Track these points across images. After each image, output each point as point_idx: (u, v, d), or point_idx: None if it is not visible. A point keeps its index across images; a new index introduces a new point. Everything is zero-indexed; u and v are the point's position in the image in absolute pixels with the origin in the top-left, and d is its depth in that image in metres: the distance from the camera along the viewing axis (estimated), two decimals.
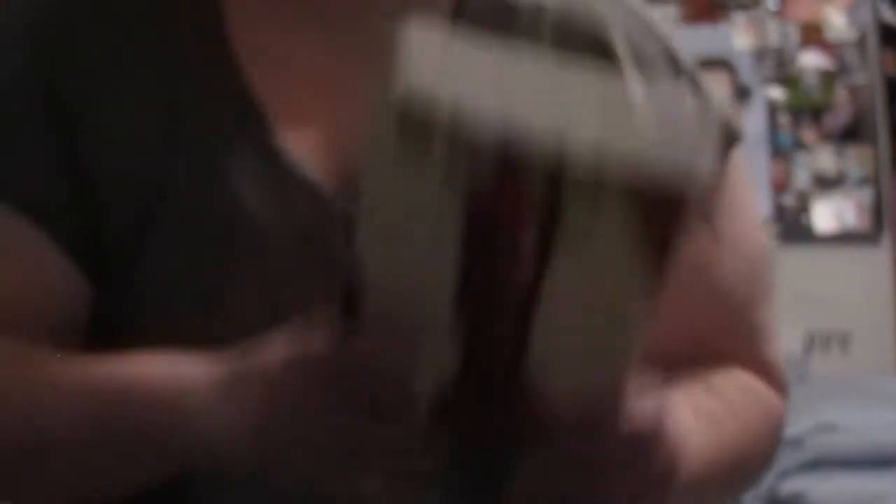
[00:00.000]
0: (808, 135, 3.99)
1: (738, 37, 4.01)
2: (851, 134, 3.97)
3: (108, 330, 0.89)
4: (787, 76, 3.99)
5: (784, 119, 4.00)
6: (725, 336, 1.02)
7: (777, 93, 4.00)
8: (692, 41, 4.04)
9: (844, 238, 3.95)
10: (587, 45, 0.95)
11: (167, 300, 0.88)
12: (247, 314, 0.86)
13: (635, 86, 0.76)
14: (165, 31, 0.90)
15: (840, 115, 3.98)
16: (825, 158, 3.97)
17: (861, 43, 3.97)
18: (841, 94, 3.97)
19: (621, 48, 0.97)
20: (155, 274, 0.88)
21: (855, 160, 3.96)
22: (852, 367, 3.89)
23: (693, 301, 0.97)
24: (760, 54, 3.99)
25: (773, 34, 3.99)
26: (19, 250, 0.88)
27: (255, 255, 0.88)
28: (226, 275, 0.88)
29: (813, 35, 3.98)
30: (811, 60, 3.98)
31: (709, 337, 1.00)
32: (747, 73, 4.00)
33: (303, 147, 0.89)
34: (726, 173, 0.99)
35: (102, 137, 0.88)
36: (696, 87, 1.00)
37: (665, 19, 4.00)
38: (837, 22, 3.98)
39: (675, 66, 0.99)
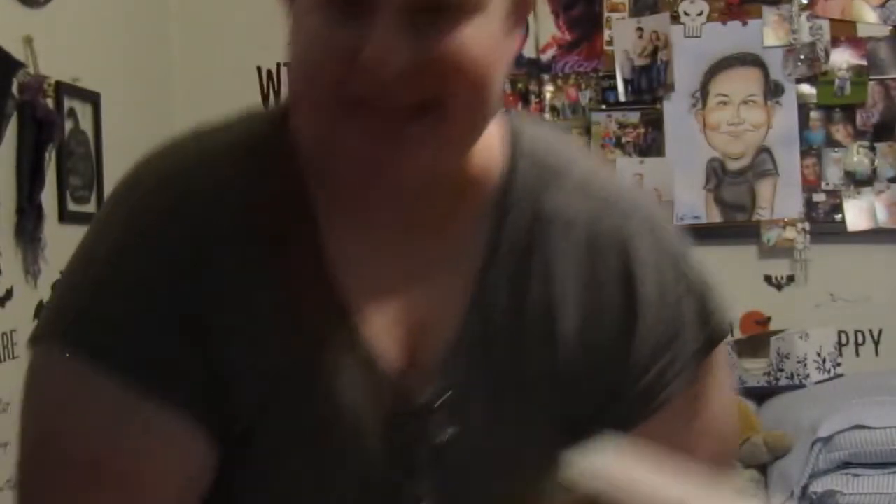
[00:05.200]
0: (840, 132, 3.97)
1: (770, 33, 4.00)
2: (883, 131, 3.95)
3: (223, 495, 1.10)
4: (818, 73, 3.97)
5: (815, 116, 3.98)
6: None
7: (808, 90, 3.98)
8: (723, 38, 4.04)
9: (876, 236, 3.93)
10: (611, 262, 1.12)
11: (277, 472, 1.09)
12: (344, 490, 1.09)
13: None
14: (276, 254, 1.09)
15: (872, 112, 3.96)
16: (857, 156, 3.95)
17: (893, 39, 3.95)
18: (873, 91, 3.95)
19: (640, 265, 1.12)
20: (268, 451, 1.09)
21: (887, 157, 3.94)
22: (884, 366, 3.87)
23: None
24: (792, 51, 3.98)
25: (805, 31, 3.97)
26: (158, 424, 1.06)
27: (350, 436, 1.09)
28: (326, 456, 1.09)
29: (844, 31, 3.97)
30: (843, 57, 3.96)
31: None
32: (778, 70, 3.99)
33: (380, 331, 1.10)
34: (712, 363, 1.18)
35: (233, 341, 1.07)
36: (702, 296, 1.16)
37: (697, 16, 3.99)
38: (869, 18, 3.96)
39: (686, 280, 1.15)
